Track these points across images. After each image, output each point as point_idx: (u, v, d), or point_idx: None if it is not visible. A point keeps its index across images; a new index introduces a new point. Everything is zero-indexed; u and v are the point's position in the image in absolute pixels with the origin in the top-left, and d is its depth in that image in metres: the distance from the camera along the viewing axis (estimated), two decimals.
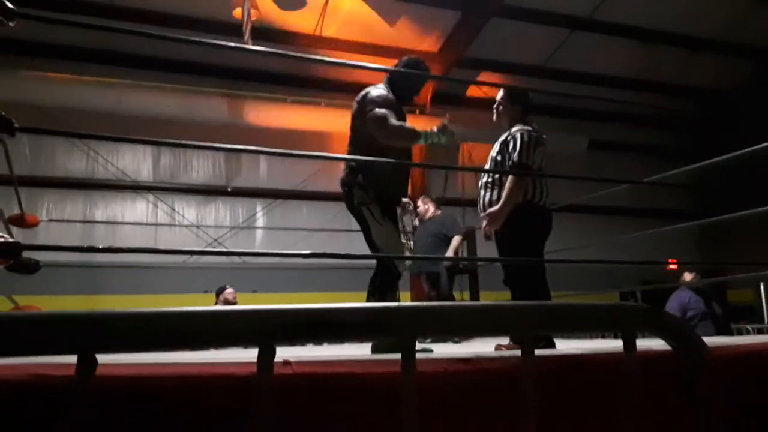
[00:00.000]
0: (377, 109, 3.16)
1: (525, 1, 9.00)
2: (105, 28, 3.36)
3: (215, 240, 9.53)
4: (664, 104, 12.06)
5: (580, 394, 1.80)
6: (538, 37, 9.83)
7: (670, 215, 11.48)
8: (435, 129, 3.10)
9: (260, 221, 10.06)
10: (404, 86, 3.40)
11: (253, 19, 7.49)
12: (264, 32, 8.10)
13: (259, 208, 10.10)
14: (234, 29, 7.53)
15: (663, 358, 1.67)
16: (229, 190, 10.00)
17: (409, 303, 1.03)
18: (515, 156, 3.35)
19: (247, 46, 3.32)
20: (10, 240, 1.69)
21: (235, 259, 8.95)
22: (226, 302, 6.89)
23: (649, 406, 1.70)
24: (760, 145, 3.58)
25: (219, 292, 6.91)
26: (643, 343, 1.71)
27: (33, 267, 3.68)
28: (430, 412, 1.41)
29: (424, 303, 1.05)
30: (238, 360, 1.61)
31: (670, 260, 8.73)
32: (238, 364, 1.56)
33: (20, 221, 4.17)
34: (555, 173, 10.19)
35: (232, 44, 2.71)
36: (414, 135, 3.10)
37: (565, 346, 2.88)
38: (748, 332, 7.92)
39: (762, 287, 8.11)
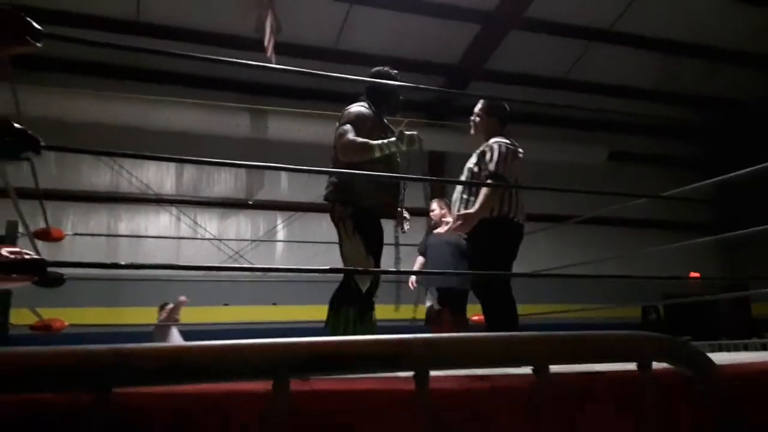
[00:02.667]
0: (341, 127, 3.22)
1: (544, 13, 8.99)
2: (131, 48, 3.44)
3: (236, 253, 9.60)
4: (684, 115, 11.96)
5: (597, 414, 1.78)
6: (558, 49, 9.81)
7: (690, 227, 11.34)
8: (392, 138, 3.13)
9: (280, 234, 10.12)
10: (380, 99, 3.38)
11: (275, 33, 7.58)
12: (286, 46, 8.19)
13: (279, 221, 10.17)
14: (256, 44, 7.63)
15: (677, 378, 1.65)
16: (250, 203, 10.08)
17: (424, 335, 1.02)
18: (492, 166, 3.37)
19: (267, 64, 3.37)
20: (35, 257, 1.72)
21: (257, 273, 9.00)
22: (172, 318, 6.73)
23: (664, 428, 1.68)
24: None
25: (163, 306, 6.77)
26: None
27: (57, 281, 3.75)
28: (448, 429, 1.41)
29: (439, 335, 1.04)
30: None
31: (691, 274, 8.61)
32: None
33: (45, 235, 4.27)
34: (573, 184, 10.19)
35: (255, 63, 2.75)
36: (368, 148, 3.11)
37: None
38: None
39: None
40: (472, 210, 3.35)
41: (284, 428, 0.93)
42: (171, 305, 6.61)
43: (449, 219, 6.17)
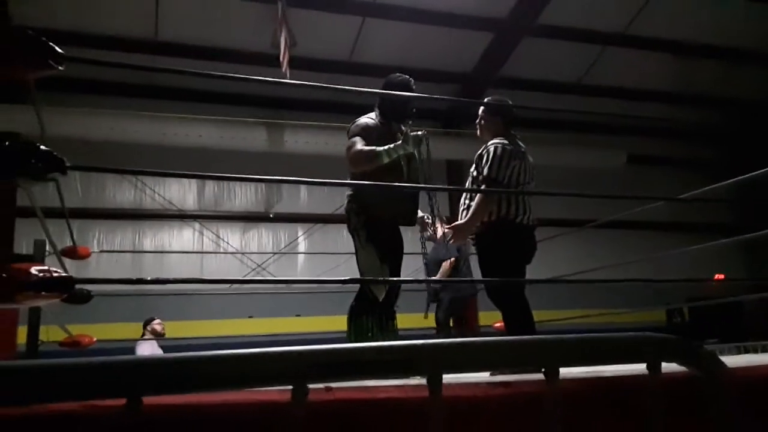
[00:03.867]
0: (349, 140, 3.31)
1: (557, 19, 9.01)
2: (150, 68, 3.52)
3: (259, 265, 9.70)
4: (702, 117, 11.85)
5: (606, 416, 1.79)
6: (572, 55, 9.82)
7: (712, 229, 11.21)
8: (398, 142, 3.19)
9: (301, 246, 10.20)
10: (391, 108, 3.42)
11: (290, 47, 7.68)
12: (301, 60, 8.29)
13: (300, 233, 10.25)
14: (272, 59, 7.74)
15: (686, 380, 1.66)
16: (270, 216, 10.18)
17: (431, 341, 1.05)
18: (485, 170, 3.27)
19: (281, 80, 3.44)
20: (63, 275, 1.79)
21: (280, 285, 9.09)
22: (154, 332, 6.82)
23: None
24: None
25: (146, 323, 6.83)
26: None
27: (85, 297, 3.85)
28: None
29: (448, 340, 1.07)
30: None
31: (716, 276, 8.49)
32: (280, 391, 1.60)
33: (72, 253, 4.38)
34: (592, 189, 10.13)
35: (270, 78, 2.82)
36: (374, 155, 3.17)
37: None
38: None
39: None
40: (462, 221, 3.31)
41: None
42: (157, 320, 6.72)
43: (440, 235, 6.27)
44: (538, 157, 10.56)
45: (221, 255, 9.69)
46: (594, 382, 1.92)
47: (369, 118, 3.41)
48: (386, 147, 3.18)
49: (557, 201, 8.80)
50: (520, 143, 3.46)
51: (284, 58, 7.55)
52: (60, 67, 1.91)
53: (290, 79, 7.59)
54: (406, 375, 1.06)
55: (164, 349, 6.86)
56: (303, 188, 10.47)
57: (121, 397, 0.90)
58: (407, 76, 3.49)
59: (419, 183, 3.42)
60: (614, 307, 7.54)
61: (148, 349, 6.57)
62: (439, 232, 5.84)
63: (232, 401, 1.57)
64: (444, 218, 5.86)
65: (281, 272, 9.64)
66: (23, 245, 8.54)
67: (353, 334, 3.18)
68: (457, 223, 3.34)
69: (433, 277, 5.90)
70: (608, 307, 8.02)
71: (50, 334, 5.20)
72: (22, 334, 5.69)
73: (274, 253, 9.92)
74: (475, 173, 3.38)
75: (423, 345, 1.00)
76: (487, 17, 8.99)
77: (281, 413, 1.50)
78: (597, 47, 9.80)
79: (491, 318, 5.72)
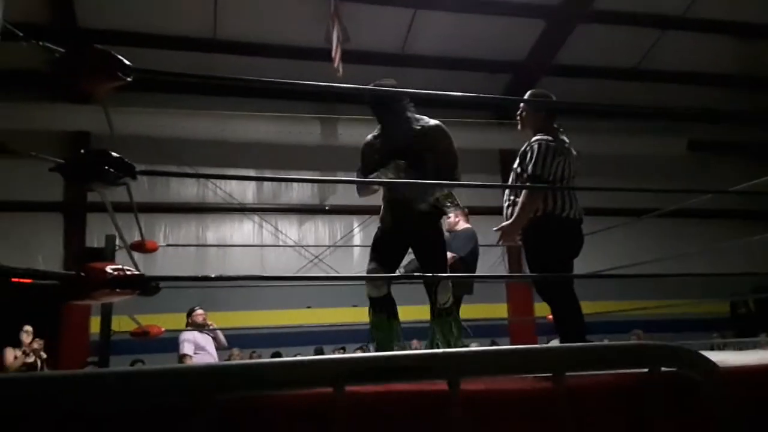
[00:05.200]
0: None
1: (612, 4, 8.80)
2: (212, 77, 3.68)
3: (316, 257, 9.91)
4: (765, 101, 11.33)
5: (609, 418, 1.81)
6: (629, 40, 9.60)
7: None
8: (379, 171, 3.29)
9: (357, 237, 10.36)
10: (386, 112, 3.47)
11: (342, 43, 7.81)
12: (353, 54, 8.40)
13: (355, 225, 10.41)
14: (326, 54, 7.88)
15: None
16: (326, 208, 10.38)
17: (452, 349, 1.16)
18: (530, 168, 3.22)
19: (334, 85, 3.55)
20: (136, 273, 1.92)
21: (336, 274, 9.27)
22: (195, 323, 6.99)
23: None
24: None
25: (189, 313, 6.95)
26: None
27: (154, 290, 4.07)
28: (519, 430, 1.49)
29: (466, 349, 1.18)
30: None
31: None
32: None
33: (141, 247, 4.63)
34: (652, 177, 9.88)
35: (324, 84, 2.90)
36: (364, 187, 3.49)
37: None
38: None
39: None
40: (509, 222, 3.29)
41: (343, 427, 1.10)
42: (199, 311, 6.92)
43: (461, 227, 6.25)
44: (594, 147, 10.48)
45: (280, 247, 9.95)
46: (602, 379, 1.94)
47: (365, 140, 3.52)
48: (371, 178, 3.34)
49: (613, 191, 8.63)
50: (564, 137, 3.41)
51: (336, 53, 7.69)
52: (128, 79, 2.02)
53: (343, 72, 7.73)
54: (429, 379, 1.18)
55: (229, 338, 7.12)
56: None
57: (194, 399, 1.02)
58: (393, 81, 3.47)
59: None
60: (677, 298, 7.38)
61: (190, 345, 6.78)
62: (459, 224, 5.87)
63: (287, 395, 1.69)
64: (465, 209, 5.91)
65: (337, 264, 9.81)
66: (94, 239, 9.03)
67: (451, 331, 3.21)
68: (504, 224, 3.31)
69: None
70: (671, 298, 7.87)
71: (122, 324, 5.49)
72: (95, 325, 5.99)
73: (330, 246, 10.11)
74: (519, 170, 3.35)
75: (442, 354, 1.13)
76: (539, 4, 8.88)
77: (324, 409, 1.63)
78: (655, 31, 9.53)
79: (546, 309, 5.73)
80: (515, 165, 3.41)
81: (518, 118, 3.56)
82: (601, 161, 9.85)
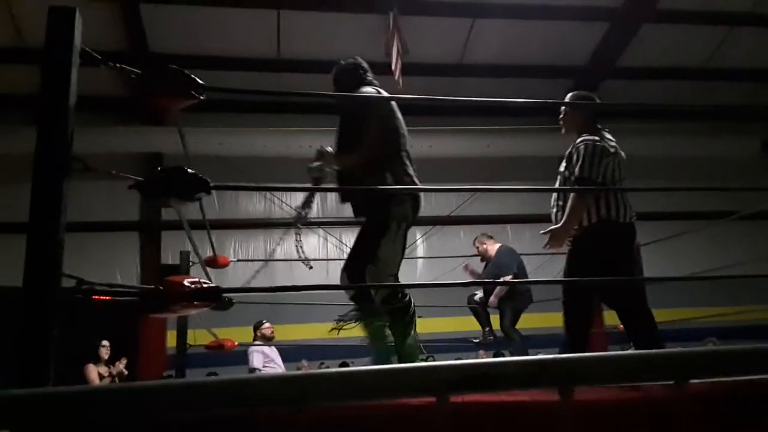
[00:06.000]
0: None
1: (678, 2, 8.52)
2: (282, 93, 3.77)
3: None
4: None
5: None
6: (696, 38, 9.27)
7: None
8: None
9: (420, 249, 10.33)
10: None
11: (402, 55, 7.84)
12: (413, 66, 8.42)
13: (418, 236, 10.39)
14: (385, 67, 7.93)
15: None
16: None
17: (560, 356, 1.10)
18: (576, 169, 3.13)
19: (395, 95, 3.58)
20: (212, 285, 1.98)
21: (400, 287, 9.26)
22: (264, 337, 7.02)
23: None
24: None
25: (256, 327, 7.05)
26: None
27: (227, 304, 4.20)
28: None
29: (575, 354, 1.12)
30: None
31: None
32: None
33: (214, 263, 4.78)
34: (723, 179, 9.44)
35: (391, 95, 2.92)
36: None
37: None
38: None
39: None
40: (558, 225, 3.17)
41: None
42: (266, 324, 6.94)
43: (491, 253, 6.22)
44: (662, 149, 10.13)
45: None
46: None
47: None
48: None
49: (685, 193, 8.31)
50: (610, 138, 3.30)
51: (397, 66, 7.72)
52: (201, 97, 2.09)
53: (402, 84, 7.76)
54: (536, 388, 1.13)
55: (293, 351, 7.22)
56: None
57: (293, 405, 1.04)
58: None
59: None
60: (751, 303, 7.04)
61: (259, 356, 6.88)
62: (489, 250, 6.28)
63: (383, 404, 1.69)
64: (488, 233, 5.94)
65: (401, 275, 9.76)
66: (168, 256, 9.37)
67: None
68: (553, 227, 3.20)
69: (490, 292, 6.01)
70: (745, 304, 7.51)
71: (197, 337, 5.67)
72: (171, 338, 6.19)
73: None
74: (566, 173, 3.26)
75: (550, 360, 1.07)
76: (601, 6, 8.69)
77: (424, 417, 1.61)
78: (723, 29, 9.17)
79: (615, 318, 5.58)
80: (562, 168, 3.33)
81: (560, 121, 3.49)
82: (667, 162, 9.53)
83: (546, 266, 6.35)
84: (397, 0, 7.83)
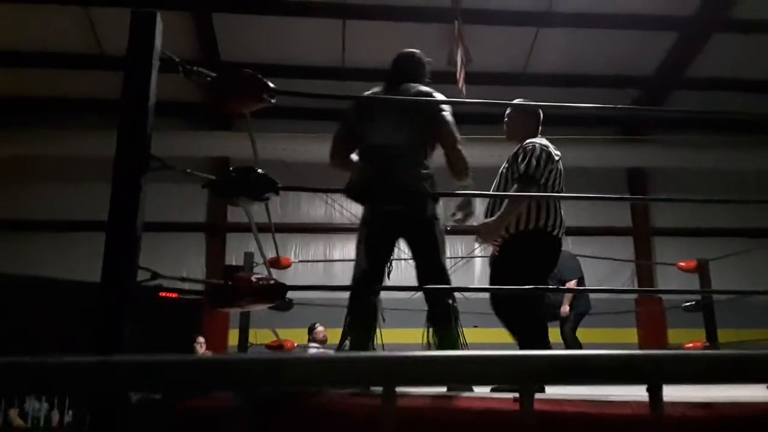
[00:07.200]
0: None
1: (751, 12, 8.21)
2: (345, 97, 3.83)
3: None
4: None
5: None
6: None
7: None
8: None
9: (478, 258, 10.27)
10: None
11: (465, 64, 7.85)
12: (476, 75, 8.42)
13: (476, 245, 10.34)
14: (448, 76, 7.96)
15: None
16: (447, 228, 10.37)
17: (650, 351, 1.07)
18: (522, 166, 3.00)
19: (458, 100, 3.61)
20: (278, 282, 2.07)
21: (457, 294, 9.23)
22: (316, 340, 6.98)
23: None
24: None
25: (310, 330, 7.06)
26: None
27: (287, 305, 4.32)
28: None
29: (665, 351, 1.09)
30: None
31: None
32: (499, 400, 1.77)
33: (277, 264, 4.93)
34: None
35: (452, 99, 2.96)
36: None
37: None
38: None
39: None
40: (493, 218, 3.05)
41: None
42: (319, 327, 7.04)
43: None
44: (726, 162, 9.82)
45: (402, 265, 10.07)
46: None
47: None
48: None
49: (753, 208, 7.98)
50: (555, 147, 3.17)
51: (460, 75, 7.74)
52: (272, 100, 2.17)
53: (465, 94, 7.77)
54: (626, 383, 1.07)
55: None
56: (479, 200, 10.54)
57: (377, 385, 1.03)
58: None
59: None
60: None
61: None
62: None
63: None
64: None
65: (459, 283, 9.77)
66: (233, 257, 9.66)
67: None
68: (486, 221, 3.11)
69: (558, 299, 5.86)
70: None
71: (258, 336, 5.82)
72: (233, 337, 6.38)
73: (451, 267, 10.08)
74: (509, 173, 3.14)
75: (641, 355, 1.02)
76: (670, 15, 8.48)
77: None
78: None
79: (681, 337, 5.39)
80: (503, 168, 3.21)
81: (504, 124, 3.37)
82: (730, 176, 9.20)
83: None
84: (461, 9, 7.85)
